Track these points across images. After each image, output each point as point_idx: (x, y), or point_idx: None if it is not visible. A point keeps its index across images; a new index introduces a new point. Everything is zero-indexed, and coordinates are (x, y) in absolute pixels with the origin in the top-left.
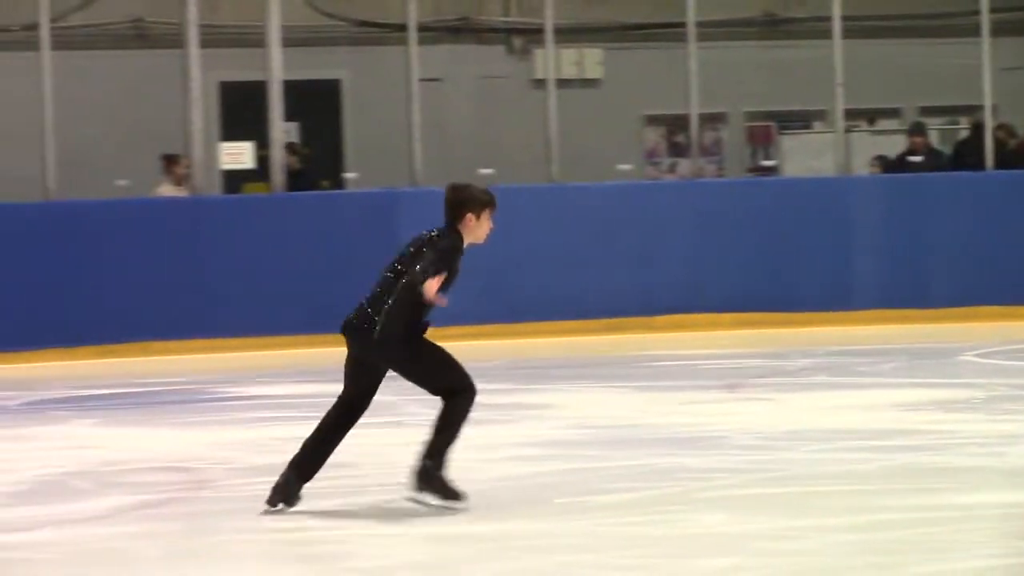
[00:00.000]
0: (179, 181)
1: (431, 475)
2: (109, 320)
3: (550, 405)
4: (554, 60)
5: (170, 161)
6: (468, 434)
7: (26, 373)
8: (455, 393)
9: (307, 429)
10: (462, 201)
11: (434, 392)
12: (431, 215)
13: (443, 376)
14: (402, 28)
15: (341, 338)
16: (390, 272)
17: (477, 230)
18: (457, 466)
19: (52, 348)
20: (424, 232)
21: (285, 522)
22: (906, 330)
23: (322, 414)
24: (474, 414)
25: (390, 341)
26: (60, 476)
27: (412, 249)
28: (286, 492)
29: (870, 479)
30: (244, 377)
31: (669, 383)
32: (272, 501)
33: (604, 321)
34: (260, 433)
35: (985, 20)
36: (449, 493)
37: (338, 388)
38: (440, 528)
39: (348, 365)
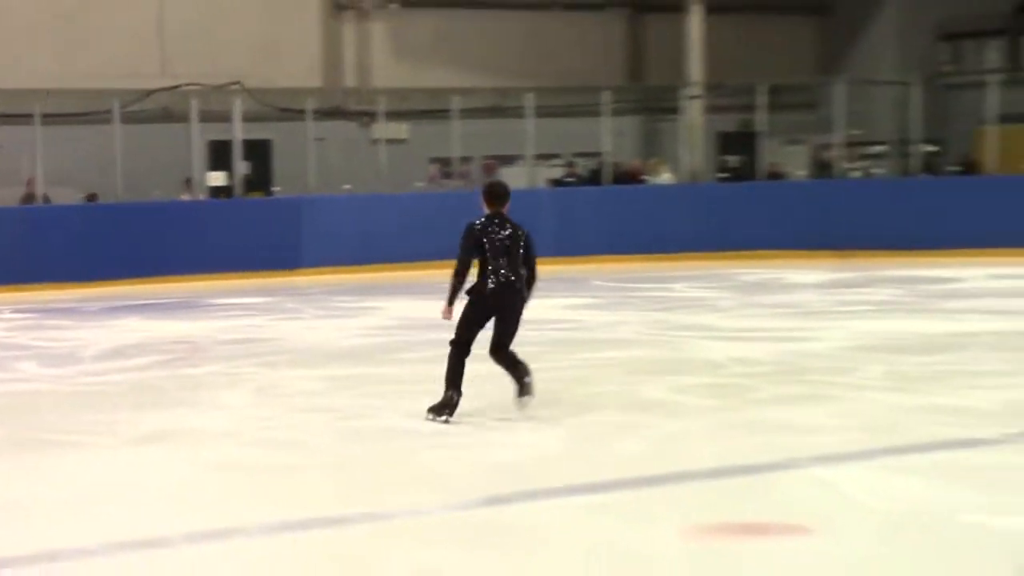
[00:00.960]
0: (191, 192)
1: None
2: (145, 263)
3: (381, 307)
4: (383, 129)
5: (187, 182)
6: (333, 323)
7: (100, 292)
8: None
9: (255, 320)
10: (507, 192)
11: (511, 337)
12: (322, 210)
13: None
14: (302, 111)
15: (271, 271)
16: (509, 251)
17: None
18: (325, 338)
19: (115, 279)
20: (479, 220)
21: (255, 369)
22: (567, 268)
23: (261, 314)
24: (335, 311)
25: (526, 298)
26: (120, 346)
27: (510, 240)
28: (453, 406)
29: (567, 344)
30: (220, 293)
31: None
32: (441, 413)
33: (413, 263)
34: (230, 323)
35: (606, 107)
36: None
37: (264, 299)
38: (334, 371)
39: (477, 316)
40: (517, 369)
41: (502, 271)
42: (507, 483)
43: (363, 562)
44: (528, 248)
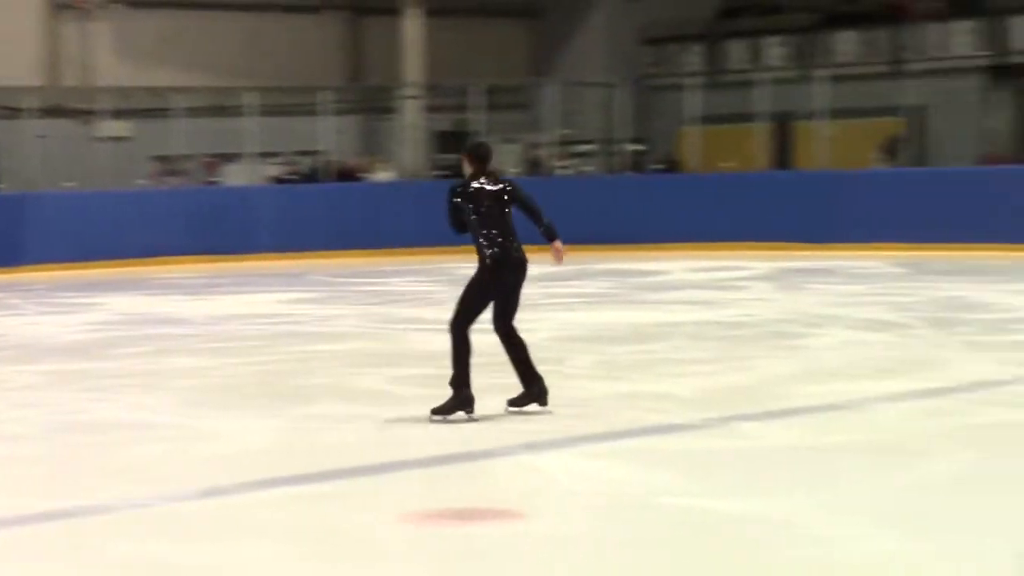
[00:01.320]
0: None
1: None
2: None
3: (103, 303)
4: (106, 127)
5: None
6: (55, 318)
7: None
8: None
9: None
10: (489, 152)
11: (514, 311)
12: (44, 207)
13: None
14: (22, 109)
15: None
16: (495, 215)
17: None
18: (46, 333)
19: None
20: (461, 183)
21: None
22: (286, 263)
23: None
24: (57, 307)
25: (527, 266)
26: None
27: (491, 202)
28: (468, 400)
29: (284, 338)
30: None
31: (185, 291)
32: (452, 412)
33: (135, 260)
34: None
35: (326, 107)
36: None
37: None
38: (56, 366)
39: (479, 298)
40: (526, 371)
41: (484, 243)
42: (224, 475)
43: (83, 554)
44: (517, 198)
